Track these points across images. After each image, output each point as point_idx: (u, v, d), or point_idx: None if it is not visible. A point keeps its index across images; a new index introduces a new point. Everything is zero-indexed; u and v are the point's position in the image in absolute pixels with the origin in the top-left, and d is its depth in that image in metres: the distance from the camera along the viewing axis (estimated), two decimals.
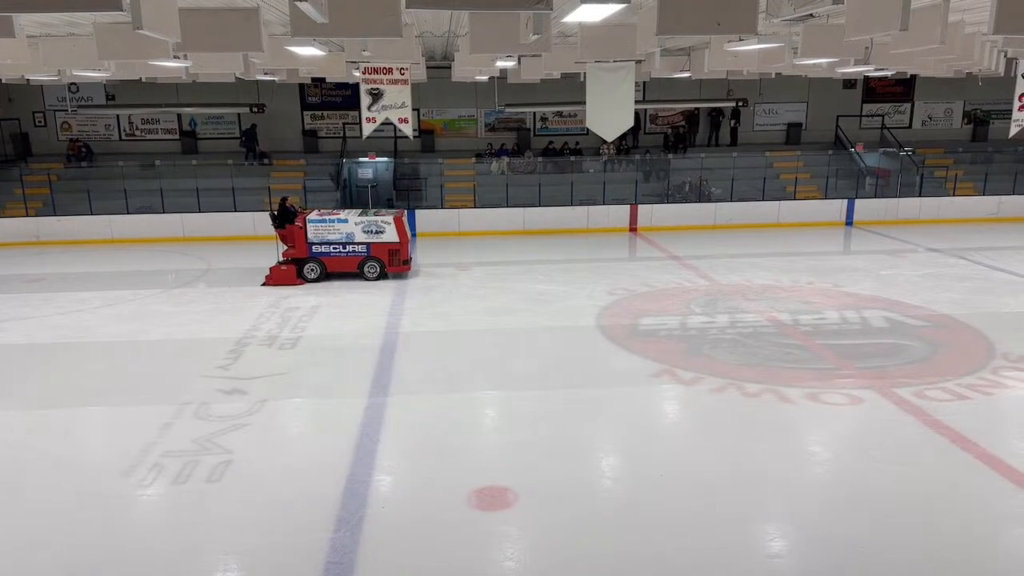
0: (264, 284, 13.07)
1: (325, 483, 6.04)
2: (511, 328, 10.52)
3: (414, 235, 18.01)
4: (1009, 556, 5.15)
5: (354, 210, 14.20)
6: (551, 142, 22.40)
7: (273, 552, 5.20)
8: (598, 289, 12.41)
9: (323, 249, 13.07)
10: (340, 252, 13.11)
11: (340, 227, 13.06)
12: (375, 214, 13.53)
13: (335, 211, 14.07)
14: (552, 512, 5.65)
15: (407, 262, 13.37)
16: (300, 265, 13.10)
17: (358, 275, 13.16)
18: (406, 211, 15.04)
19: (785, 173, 21.21)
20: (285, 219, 13.40)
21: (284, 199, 13.96)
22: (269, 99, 19.56)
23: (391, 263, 13.23)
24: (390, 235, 13.11)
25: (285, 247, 13.35)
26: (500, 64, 12.50)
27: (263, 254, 16.02)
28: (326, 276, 13.12)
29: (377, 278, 13.16)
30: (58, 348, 9.89)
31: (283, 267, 13.09)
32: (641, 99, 19.87)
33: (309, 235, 12.99)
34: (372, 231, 13.05)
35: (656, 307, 11.33)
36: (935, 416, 7.22)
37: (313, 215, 13.28)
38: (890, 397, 7.70)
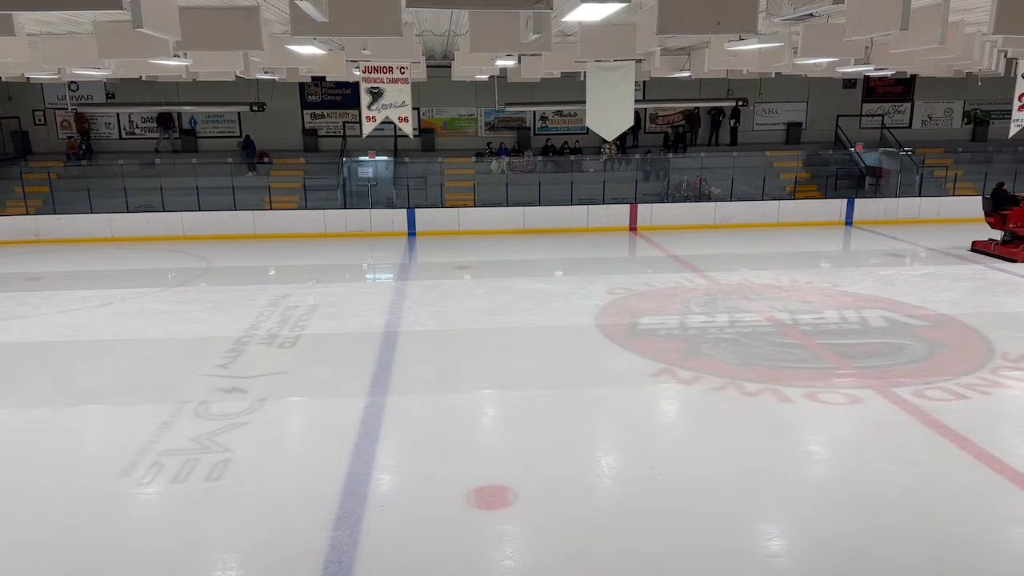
0: (1015, 261, 13.63)
1: (324, 482, 6.03)
2: (511, 327, 10.51)
3: (413, 234, 18.04)
4: (1008, 556, 5.15)
5: None
6: (549, 140, 22.40)
7: (272, 550, 5.20)
8: (598, 288, 12.41)
9: None
10: None
11: None
12: None
13: None
14: (551, 511, 5.65)
15: None
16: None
17: None
18: None
19: (785, 173, 21.23)
20: (1004, 203, 14.11)
21: (1001, 183, 14.78)
22: (269, 98, 19.57)
23: None
24: None
25: (1003, 230, 14.11)
26: (500, 63, 12.51)
27: (263, 253, 16.06)
28: None
29: None
30: (57, 347, 9.89)
31: None
32: (641, 99, 19.89)
33: None
34: None
35: (655, 306, 11.33)
36: (934, 416, 7.22)
37: None
38: (889, 397, 7.70)
